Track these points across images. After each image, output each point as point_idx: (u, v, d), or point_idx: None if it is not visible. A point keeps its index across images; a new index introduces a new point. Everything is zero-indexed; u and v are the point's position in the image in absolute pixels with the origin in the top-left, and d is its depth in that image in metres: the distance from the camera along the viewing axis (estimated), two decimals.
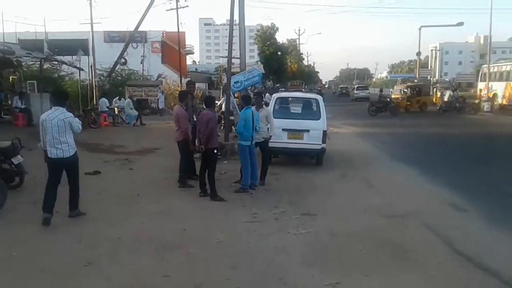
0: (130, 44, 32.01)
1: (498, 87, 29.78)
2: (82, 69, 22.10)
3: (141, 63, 38.60)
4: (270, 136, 9.34)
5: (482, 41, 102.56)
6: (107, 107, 21.88)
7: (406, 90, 31.91)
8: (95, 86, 25.25)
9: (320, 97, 11.43)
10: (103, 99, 22.42)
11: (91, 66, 25.93)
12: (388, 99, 30.05)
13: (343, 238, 6.03)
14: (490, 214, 7.01)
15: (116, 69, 30.19)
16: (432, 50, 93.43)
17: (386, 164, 11.74)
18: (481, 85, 33.10)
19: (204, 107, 8.70)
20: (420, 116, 26.89)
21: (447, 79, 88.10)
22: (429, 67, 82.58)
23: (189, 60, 63.32)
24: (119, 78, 33.11)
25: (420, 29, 41.79)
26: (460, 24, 39.03)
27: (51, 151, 6.42)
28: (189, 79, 32.28)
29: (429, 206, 7.53)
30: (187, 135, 8.84)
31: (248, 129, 8.41)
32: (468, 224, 6.59)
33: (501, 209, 7.35)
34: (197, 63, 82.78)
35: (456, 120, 24.40)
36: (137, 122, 22.11)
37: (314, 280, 4.75)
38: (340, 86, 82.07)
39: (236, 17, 14.39)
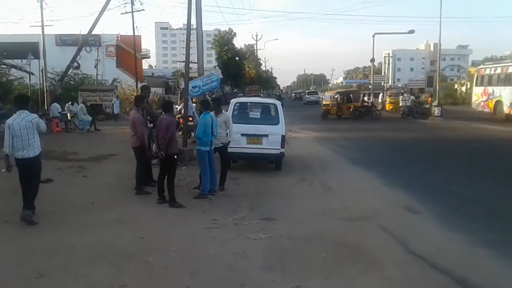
0: (84, 48, 31.14)
1: (504, 93, 24.98)
2: (33, 73, 21.34)
3: (95, 67, 37.61)
4: (229, 142, 9.32)
5: (432, 48, 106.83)
6: (59, 113, 21.19)
7: (336, 97, 31.30)
8: (46, 90, 24.38)
9: (279, 102, 11.52)
10: (55, 104, 21.68)
11: (42, 70, 25.03)
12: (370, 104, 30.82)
13: (302, 242, 6.06)
14: (442, 216, 7.25)
15: (69, 73, 29.24)
16: (385, 57, 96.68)
17: (343, 168, 11.97)
18: (477, 90, 28.83)
19: (163, 112, 8.56)
20: (369, 121, 27.59)
21: (399, 85, 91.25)
22: (383, 73, 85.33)
23: (145, 64, 62.22)
24: (72, 82, 32.16)
25: (374, 36, 42.97)
26: (411, 31, 40.40)
27: (18, 153, 6.71)
28: (144, 83, 31.85)
29: (385, 209, 7.72)
30: (144, 140, 8.67)
31: (207, 134, 8.35)
32: (422, 226, 6.79)
33: (453, 211, 7.63)
34: (153, 68, 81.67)
35: (409, 125, 25.24)
36: (91, 128, 21.53)
37: (275, 285, 4.75)
38: (294, 91, 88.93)
39: (193, 21, 14.31)
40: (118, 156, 13.15)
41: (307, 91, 71.47)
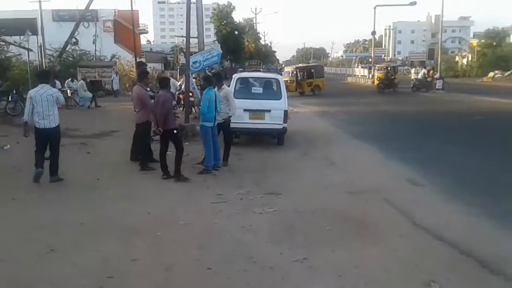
0: (81, 23, 30.69)
1: None
2: (31, 50, 21.13)
3: (93, 43, 37.22)
4: (230, 116, 9.29)
5: (433, 21, 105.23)
6: (59, 89, 21.03)
7: (295, 73, 30.23)
8: (45, 67, 24.17)
9: (281, 76, 11.47)
10: (55, 81, 21.52)
11: (40, 46, 24.78)
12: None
13: (308, 215, 6.13)
14: (445, 188, 7.32)
15: (67, 49, 28.83)
16: (385, 30, 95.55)
17: (345, 142, 12.01)
18: None
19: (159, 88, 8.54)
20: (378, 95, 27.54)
21: (400, 58, 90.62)
22: (383, 46, 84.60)
23: (143, 39, 61.67)
24: (70, 59, 31.88)
25: (375, 8, 42.44)
26: (413, 3, 39.96)
27: (40, 122, 7.50)
28: (141, 59, 31.54)
29: (388, 182, 7.78)
30: (154, 114, 8.63)
31: (211, 110, 8.34)
32: (426, 198, 6.86)
33: (454, 183, 7.70)
34: (151, 43, 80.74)
35: (410, 98, 25.19)
36: (92, 104, 21.46)
37: (282, 257, 4.82)
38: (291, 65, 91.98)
39: None
40: (120, 132, 13.15)
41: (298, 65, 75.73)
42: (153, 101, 9.21)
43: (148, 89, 9.85)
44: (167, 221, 5.88)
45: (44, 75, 8.21)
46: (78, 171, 8.72)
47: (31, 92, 7.55)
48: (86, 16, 34.96)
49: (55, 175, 7.73)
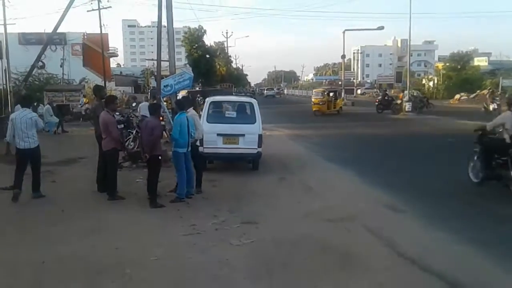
0: (49, 47, 30.01)
1: None
2: None
3: (60, 66, 36.50)
4: (195, 140, 8.92)
5: (399, 44, 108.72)
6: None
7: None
8: (10, 91, 23.29)
9: (255, 100, 11.24)
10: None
11: (5, 70, 23.89)
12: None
13: (288, 246, 5.82)
14: (425, 214, 7.16)
15: (33, 73, 28.13)
16: (354, 53, 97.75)
17: (320, 166, 11.83)
18: None
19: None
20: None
21: (368, 81, 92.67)
22: (352, 70, 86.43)
23: (113, 63, 61.06)
24: (37, 82, 31.05)
25: (344, 32, 43.33)
26: (381, 28, 41.00)
27: (20, 143, 8.12)
28: (98, 84, 30.92)
29: (368, 208, 7.57)
30: (119, 142, 8.27)
31: (184, 135, 8.01)
32: (407, 225, 6.67)
33: (434, 208, 7.55)
34: (121, 66, 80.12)
35: (380, 121, 25.45)
36: (58, 130, 20.75)
37: None
38: (260, 88, 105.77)
39: (163, 18, 13.86)
40: (88, 159, 12.58)
41: (265, 88, 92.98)
42: (121, 125, 8.88)
43: (118, 113, 9.46)
44: (137, 257, 5.46)
45: (26, 100, 9.30)
46: (41, 201, 8.17)
47: (13, 115, 8.39)
48: (54, 39, 34.35)
49: (37, 191, 8.31)
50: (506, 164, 8.12)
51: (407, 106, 28.92)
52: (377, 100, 32.52)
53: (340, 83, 55.59)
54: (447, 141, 16.33)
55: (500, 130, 8.67)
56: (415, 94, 32.67)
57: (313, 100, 31.36)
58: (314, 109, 30.11)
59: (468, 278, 4.77)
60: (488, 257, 5.33)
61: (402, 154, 13.88)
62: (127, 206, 7.75)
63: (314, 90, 35.90)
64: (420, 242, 5.89)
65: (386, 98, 31.46)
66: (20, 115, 8.22)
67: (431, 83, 53.44)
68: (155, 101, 15.77)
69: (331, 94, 31.01)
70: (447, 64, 51.73)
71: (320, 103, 29.82)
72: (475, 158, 8.98)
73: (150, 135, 7.72)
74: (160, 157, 8.06)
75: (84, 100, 29.03)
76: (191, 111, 8.84)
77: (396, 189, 8.80)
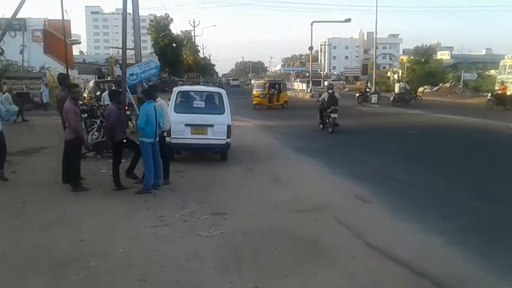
0: (7, 33, 28.79)
1: None
2: None
3: (20, 53, 35.11)
4: (164, 131, 8.78)
5: (365, 37, 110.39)
6: None
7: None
8: None
9: (224, 91, 11.10)
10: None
11: None
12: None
13: (257, 237, 5.79)
14: (393, 204, 7.26)
15: None
16: (321, 45, 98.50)
17: (289, 157, 11.86)
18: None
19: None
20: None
21: (335, 73, 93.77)
22: (319, 61, 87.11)
23: (75, 50, 59.22)
24: None
25: (312, 24, 43.50)
26: (348, 20, 41.36)
27: None
28: (62, 72, 29.92)
29: (336, 199, 7.62)
30: (78, 131, 7.94)
31: (151, 125, 7.83)
32: (375, 216, 6.75)
33: (402, 199, 7.67)
34: (84, 54, 77.91)
35: (348, 112, 25.75)
36: (18, 119, 20.00)
37: (232, 286, 4.45)
38: (226, 78, 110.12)
39: (128, 5, 13.50)
40: (50, 149, 12.19)
41: (231, 78, 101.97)
42: (85, 114, 8.63)
43: (81, 102, 9.16)
44: (103, 249, 5.31)
45: None
46: (1, 193, 7.83)
47: None
48: (13, 25, 32.98)
49: (1, 169, 8.63)
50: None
51: (373, 98, 29.37)
52: (358, 93, 32.01)
53: (307, 74, 55.89)
54: (410, 132, 16.71)
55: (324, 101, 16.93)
56: (402, 86, 31.82)
57: (253, 92, 29.76)
58: (254, 102, 28.56)
59: (433, 266, 4.87)
60: (455, 246, 5.45)
61: (367, 144, 14.10)
62: (91, 197, 7.54)
63: (255, 83, 34.66)
64: (388, 232, 5.99)
65: (268, 92, 29.17)
66: None
67: (395, 76, 54.43)
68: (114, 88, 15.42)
69: (275, 86, 29.11)
70: (411, 57, 52.76)
71: (261, 96, 28.28)
72: (317, 114, 17.50)
73: (108, 122, 8.16)
74: (124, 140, 8.29)
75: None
76: (159, 101, 8.67)
77: (364, 179, 8.91)
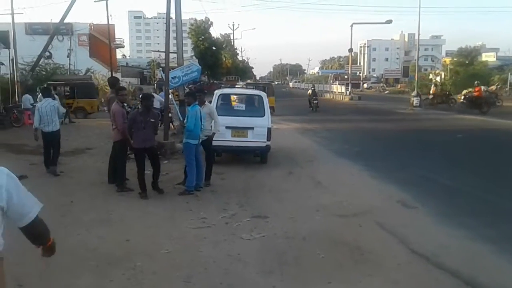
0: (55, 37, 30.00)
1: None
2: (2, 64, 20.33)
3: (67, 56, 36.46)
4: (213, 134, 8.92)
5: (406, 39, 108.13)
6: (31, 104, 20.25)
7: None
8: (17, 81, 23.31)
9: (264, 93, 11.14)
10: (27, 95, 20.74)
11: (12, 60, 23.91)
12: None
13: (299, 241, 5.76)
14: (437, 210, 7.07)
15: (40, 63, 28.11)
16: (361, 47, 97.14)
17: (329, 160, 11.74)
18: None
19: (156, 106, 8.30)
20: None
21: (375, 75, 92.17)
22: (358, 64, 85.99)
23: (118, 54, 60.97)
24: (44, 72, 30.94)
25: (352, 26, 42.96)
26: (389, 21, 40.66)
27: (45, 128, 9.64)
28: (116, 74, 30.74)
29: (379, 204, 7.48)
30: (124, 133, 8.15)
31: (197, 127, 7.98)
32: (419, 222, 6.58)
33: (446, 204, 7.46)
34: (127, 57, 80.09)
35: (388, 115, 25.28)
36: (66, 120, 20.71)
37: None
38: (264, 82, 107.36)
39: (171, 9, 13.78)
40: (96, 149, 12.59)
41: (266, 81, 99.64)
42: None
43: (126, 104, 9.40)
44: (148, 250, 5.42)
45: (47, 91, 10.70)
46: (49, 192, 8.12)
47: (38, 105, 10.22)
48: (61, 30, 34.30)
49: (54, 166, 9.70)
50: None
51: (415, 101, 28.61)
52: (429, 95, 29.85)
53: (346, 76, 55.26)
54: (455, 136, 16.20)
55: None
56: (485, 89, 28.24)
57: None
58: None
59: (483, 275, 4.69)
60: (504, 254, 5.25)
61: (410, 148, 13.79)
62: (136, 197, 7.72)
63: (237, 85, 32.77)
64: (433, 239, 5.82)
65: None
66: (44, 103, 9.73)
67: (438, 78, 52.97)
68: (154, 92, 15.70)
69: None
70: (455, 59, 51.20)
71: None
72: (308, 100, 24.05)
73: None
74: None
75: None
76: (207, 105, 8.87)
77: (406, 185, 8.71)
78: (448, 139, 15.77)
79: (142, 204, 7.40)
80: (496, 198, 7.87)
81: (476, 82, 26.67)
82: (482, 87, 27.50)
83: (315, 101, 27.82)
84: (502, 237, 5.89)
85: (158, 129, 8.34)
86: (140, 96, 9.11)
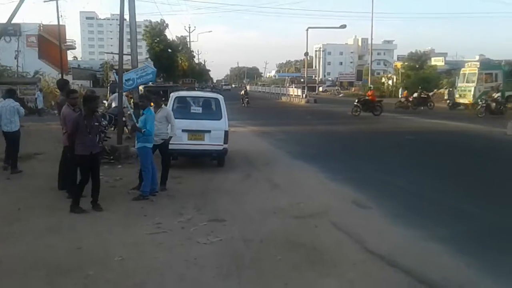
0: (2, 38, 28.69)
1: None
2: None
3: (15, 58, 34.99)
4: (170, 137, 8.78)
5: (360, 43, 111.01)
6: None
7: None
8: None
9: (221, 96, 11.08)
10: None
11: None
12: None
13: (256, 244, 5.74)
14: (391, 211, 7.24)
15: None
16: (316, 51, 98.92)
17: (285, 162, 11.82)
18: None
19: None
20: None
21: (330, 79, 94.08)
22: (314, 67, 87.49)
23: (70, 55, 59.15)
24: None
25: (307, 30, 43.61)
26: (343, 26, 41.56)
27: (5, 128, 10.08)
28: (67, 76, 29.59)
29: (335, 205, 7.59)
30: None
31: (154, 130, 7.83)
32: (374, 222, 6.72)
33: (400, 205, 7.65)
34: (79, 59, 77.86)
35: (341, 118, 25.82)
36: None
37: None
38: (220, 84, 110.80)
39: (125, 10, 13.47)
40: (45, 155, 12.08)
41: (223, 84, 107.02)
42: None
43: (78, 109, 9.08)
44: (101, 257, 5.23)
45: (9, 92, 10.90)
46: None
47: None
48: (8, 30, 32.82)
49: (15, 169, 9.95)
50: None
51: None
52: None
53: (302, 80, 56.02)
54: (405, 138, 16.77)
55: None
56: (497, 96, 27.60)
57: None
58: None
59: (435, 273, 4.83)
60: (456, 253, 5.42)
61: (364, 150, 14.13)
62: (87, 203, 7.44)
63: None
64: (387, 238, 5.96)
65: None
66: (5, 104, 10.10)
67: (390, 82, 54.72)
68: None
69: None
70: (406, 63, 53.05)
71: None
72: (241, 99, 28.34)
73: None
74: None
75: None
76: (164, 108, 8.74)
77: (361, 186, 8.88)
78: (398, 140, 16.29)
79: (95, 210, 7.15)
80: (446, 199, 8.13)
81: (369, 86, 28.28)
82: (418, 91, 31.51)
83: (246, 99, 35.83)
84: (454, 236, 6.10)
85: (106, 133, 8.00)
86: (83, 98, 8.57)
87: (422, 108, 30.78)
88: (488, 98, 26.22)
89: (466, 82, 30.94)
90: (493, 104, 25.23)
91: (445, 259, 5.29)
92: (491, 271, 4.93)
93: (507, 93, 29.46)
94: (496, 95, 26.66)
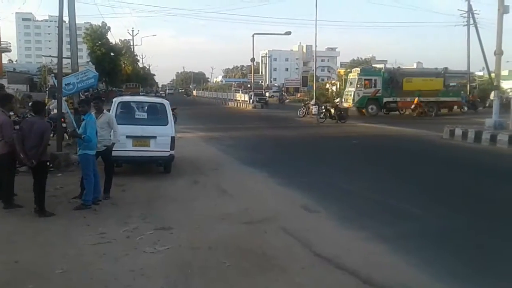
0: None
1: None
2: None
3: None
4: (113, 144, 8.50)
5: (304, 50, 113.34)
6: None
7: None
8: None
9: (167, 101, 10.88)
10: None
11: None
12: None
13: (204, 251, 5.66)
14: (339, 214, 7.40)
15: None
16: (262, 57, 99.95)
17: (234, 168, 11.80)
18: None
19: (32, 114, 7.52)
20: None
21: (276, 84, 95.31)
22: (260, 73, 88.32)
23: (4, 58, 56.14)
24: None
25: (253, 36, 44.02)
26: (288, 33, 42.29)
27: None
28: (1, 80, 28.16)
29: (283, 209, 7.65)
30: (13, 145, 7.43)
31: (95, 137, 7.54)
32: (322, 226, 6.83)
33: (347, 208, 7.84)
34: (15, 62, 74.18)
35: (289, 123, 26.21)
36: None
37: None
38: (165, 88, 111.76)
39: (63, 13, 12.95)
40: None
41: (167, 88, 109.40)
42: (17, 126, 7.98)
43: (12, 113, 8.62)
44: (41, 270, 4.96)
45: None
46: None
47: None
48: None
49: None
50: None
51: (313, 109, 29.84)
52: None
53: (249, 85, 56.39)
54: (351, 143, 17.27)
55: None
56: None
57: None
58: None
59: (379, 273, 4.98)
60: (398, 252, 5.63)
61: (311, 155, 14.38)
62: (26, 214, 7.05)
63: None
64: (335, 241, 6.08)
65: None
66: None
67: (334, 88, 56.17)
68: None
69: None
70: (348, 70, 54.74)
71: None
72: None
73: (39, 140, 6.90)
74: (48, 163, 7.69)
75: None
76: (106, 113, 8.47)
77: (310, 190, 9.01)
78: (343, 145, 16.74)
79: (33, 221, 6.78)
80: (392, 200, 8.39)
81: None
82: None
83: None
84: (397, 236, 6.32)
85: (49, 139, 7.62)
86: (30, 103, 8.13)
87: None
88: (328, 104, 28.38)
89: (350, 87, 32.24)
90: (332, 110, 26.97)
91: (389, 259, 5.46)
92: (433, 270, 5.13)
93: (385, 99, 31.33)
94: (337, 101, 28.86)
